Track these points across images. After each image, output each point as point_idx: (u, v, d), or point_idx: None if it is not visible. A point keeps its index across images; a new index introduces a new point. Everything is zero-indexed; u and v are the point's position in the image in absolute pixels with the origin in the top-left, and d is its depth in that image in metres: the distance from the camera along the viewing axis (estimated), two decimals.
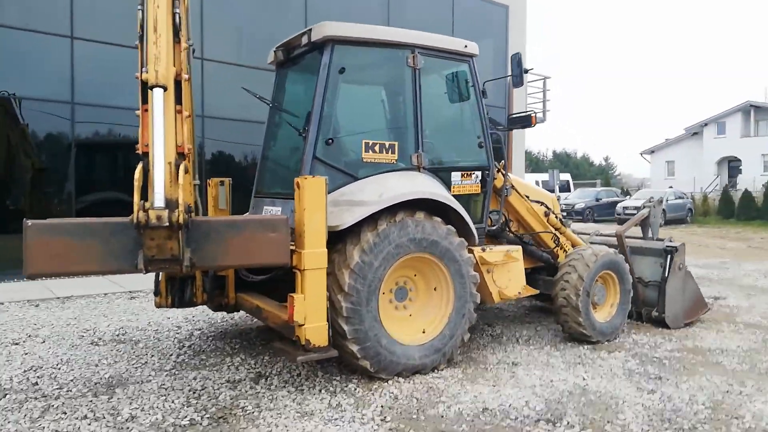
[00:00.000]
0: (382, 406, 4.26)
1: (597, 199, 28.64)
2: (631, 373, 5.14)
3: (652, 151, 46.75)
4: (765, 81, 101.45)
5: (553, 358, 5.57)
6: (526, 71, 5.50)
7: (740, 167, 40.17)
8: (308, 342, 4.27)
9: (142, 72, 3.82)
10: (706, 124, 42.24)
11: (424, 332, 5.05)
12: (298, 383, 4.71)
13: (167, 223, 3.52)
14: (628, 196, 31.52)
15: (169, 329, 6.38)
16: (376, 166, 5.12)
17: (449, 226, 5.07)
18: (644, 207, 7.56)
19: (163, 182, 3.60)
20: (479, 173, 5.73)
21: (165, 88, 3.75)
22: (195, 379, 4.80)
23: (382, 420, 4.02)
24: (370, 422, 3.98)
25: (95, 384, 4.69)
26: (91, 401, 4.30)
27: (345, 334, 4.52)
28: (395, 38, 5.18)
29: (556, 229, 6.65)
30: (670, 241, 7.16)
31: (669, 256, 6.88)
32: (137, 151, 3.89)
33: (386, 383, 4.72)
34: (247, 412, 4.14)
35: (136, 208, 3.52)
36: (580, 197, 29.25)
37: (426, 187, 5.11)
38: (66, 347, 5.73)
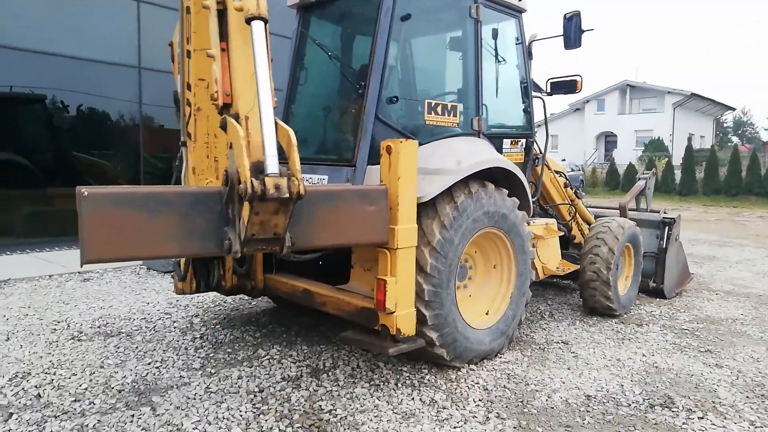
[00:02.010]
0: (480, 400, 3.80)
1: None
2: (680, 348, 5.07)
3: (539, 125, 48.99)
4: (638, 62, 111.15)
5: (594, 334, 5.38)
6: (582, 32, 5.09)
7: (616, 142, 43.36)
8: (399, 331, 3.68)
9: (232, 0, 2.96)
10: (587, 101, 44.93)
11: (487, 314, 4.62)
12: (368, 377, 4.10)
13: (287, 194, 2.75)
14: None
15: (159, 318, 5.40)
16: (436, 130, 4.55)
17: (514, 199, 4.64)
18: (640, 179, 7.61)
19: (275, 141, 2.81)
20: (524, 141, 5.34)
21: (266, 21, 2.94)
22: (240, 378, 4.03)
23: (497, 417, 3.56)
24: (487, 422, 3.50)
25: (119, 392, 3.77)
26: (133, 415, 3.42)
27: (426, 320, 3.97)
28: None
29: (571, 201, 6.46)
30: (665, 212, 7.27)
31: (667, 228, 6.95)
32: (214, 103, 3.05)
33: (460, 372, 4.25)
34: (338, 416, 3.49)
35: (246, 174, 2.71)
36: None
37: (493, 154, 4.64)
38: (43, 345, 4.63)
